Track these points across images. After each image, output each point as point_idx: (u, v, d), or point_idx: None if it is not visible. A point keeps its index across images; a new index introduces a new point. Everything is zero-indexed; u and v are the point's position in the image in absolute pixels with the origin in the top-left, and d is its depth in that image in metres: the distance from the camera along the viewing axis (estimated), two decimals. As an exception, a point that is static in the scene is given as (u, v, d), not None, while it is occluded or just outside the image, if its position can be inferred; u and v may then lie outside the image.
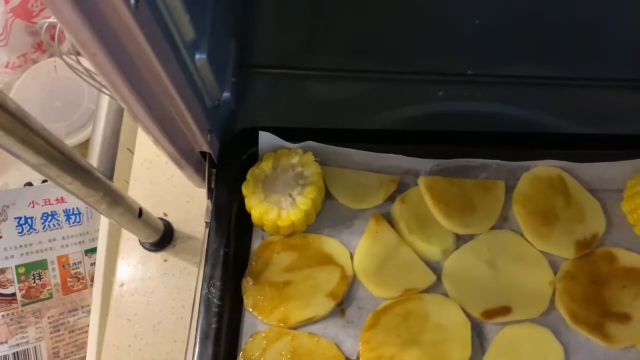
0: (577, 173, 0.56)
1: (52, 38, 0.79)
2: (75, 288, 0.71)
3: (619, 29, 0.63)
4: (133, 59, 0.37)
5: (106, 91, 0.48)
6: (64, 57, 0.42)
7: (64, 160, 0.39)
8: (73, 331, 0.71)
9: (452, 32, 0.64)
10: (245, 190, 0.53)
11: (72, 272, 0.71)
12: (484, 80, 0.63)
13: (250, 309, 0.51)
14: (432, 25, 0.64)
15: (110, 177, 0.62)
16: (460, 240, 0.54)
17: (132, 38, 0.34)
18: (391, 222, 0.55)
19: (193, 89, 0.45)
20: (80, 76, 0.43)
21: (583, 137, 0.57)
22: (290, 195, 0.53)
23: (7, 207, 0.67)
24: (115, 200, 0.48)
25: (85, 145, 0.72)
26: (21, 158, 0.37)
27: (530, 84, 0.62)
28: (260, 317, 0.51)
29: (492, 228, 0.55)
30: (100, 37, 0.32)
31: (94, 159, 0.57)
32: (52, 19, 0.39)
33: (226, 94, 0.54)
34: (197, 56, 0.44)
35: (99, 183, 0.45)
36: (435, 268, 0.53)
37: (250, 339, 0.50)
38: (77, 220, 0.72)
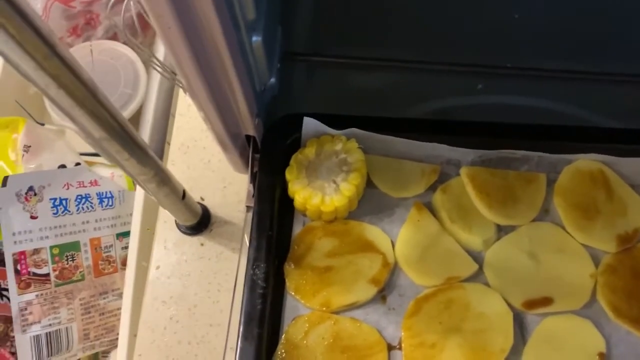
0: (619, 168, 0.56)
1: (88, 23, 0.79)
2: (106, 271, 0.72)
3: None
4: (200, 35, 0.37)
5: (158, 68, 0.49)
6: (123, 33, 0.42)
7: (124, 136, 0.39)
8: (103, 314, 0.71)
9: (492, 24, 0.64)
10: (289, 175, 0.53)
11: (104, 255, 0.72)
12: (523, 73, 0.63)
13: (293, 293, 0.51)
14: (473, 17, 0.64)
15: (160, 157, 0.63)
16: (502, 231, 0.55)
17: (203, 13, 0.35)
18: (432, 212, 0.55)
19: (247, 70, 0.46)
20: (137, 53, 0.43)
21: (625, 132, 0.57)
22: (334, 182, 0.53)
23: (43, 187, 0.68)
24: (163, 180, 0.48)
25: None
26: (85, 130, 0.37)
27: (572, 79, 0.62)
28: (302, 301, 0.51)
29: (534, 220, 0.55)
30: (176, 11, 0.32)
31: (145, 138, 0.57)
32: (120, -6, 0.39)
33: (272, 80, 0.54)
34: (254, 38, 0.45)
35: (152, 161, 0.45)
36: (476, 258, 0.53)
37: (293, 322, 0.50)
38: (110, 204, 0.73)
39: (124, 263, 0.71)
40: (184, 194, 0.54)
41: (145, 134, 0.58)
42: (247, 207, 0.56)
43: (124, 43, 0.74)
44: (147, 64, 0.46)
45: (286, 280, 0.52)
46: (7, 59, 0.28)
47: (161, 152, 0.60)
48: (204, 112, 0.44)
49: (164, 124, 0.60)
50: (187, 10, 0.34)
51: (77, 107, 0.34)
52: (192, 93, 0.42)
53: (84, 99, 0.34)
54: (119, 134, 0.39)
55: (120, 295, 0.71)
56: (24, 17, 0.26)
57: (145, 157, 0.44)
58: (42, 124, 0.82)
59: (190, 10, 0.34)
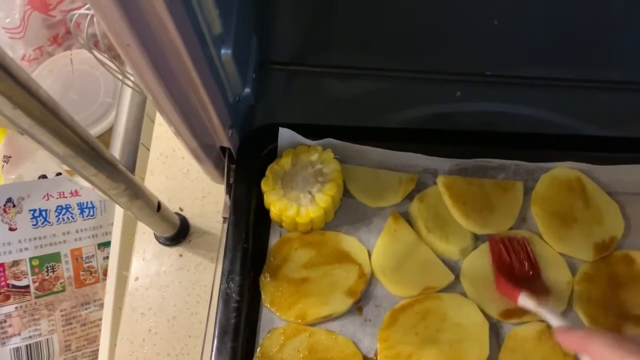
0: (596, 175, 0.56)
1: (68, 32, 0.79)
2: (87, 282, 0.71)
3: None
4: (163, 52, 0.37)
5: (129, 83, 0.49)
6: (91, 48, 0.42)
7: (90, 152, 0.39)
8: (85, 324, 0.71)
9: (471, 32, 0.64)
10: (264, 186, 0.53)
11: (85, 265, 0.71)
12: (502, 80, 0.63)
13: (268, 305, 0.51)
14: (451, 25, 0.64)
15: (132, 171, 0.62)
16: (479, 240, 0.54)
17: (164, 30, 0.34)
18: (409, 221, 0.55)
19: (217, 83, 0.45)
20: (106, 68, 0.43)
21: (602, 139, 0.57)
22: (310, 192, 0.53)
23: (22, 199, 0.67)
24: (136, 194, 0.48)
25: (101, 138, 0.72)
26: (49, 148, 0.37)
27: (550, 86, 0.62)
28: (277, 313, 0.51)
29: (510, 229, 0.55)
30: (134, 28, 0.32)
31: (116, 151, 0.57)
32: (83, 10, 0.39)
33: (247, 90, 0.54)
34: (223, 51, 0.45)
35: (122, 176, 0.44)
36: (453, 267, 0.53)
37: (268, 335, 0.50)
38: (91, 214, 0.72)
39: (105, 273, 0.71)
40: (159, 205, 0.54)
41: (117, 144, 0.57)
42: (224, 218, 0.55)
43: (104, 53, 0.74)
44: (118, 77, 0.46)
45: (262, 292, 0.52)
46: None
47: (133, 163, 0.60)
48: (173, 127, 0.44)
49: (137, 132, 0.60)
50: (145, 27, 0.33)
51: (37, 126, 0.33)
52: (159, 108, 0.41)
53: (44, 118, 0.33)
54: (84, 150, 0.39)
55: (102, 306, 0.71)
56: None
57: (115, 171, 0.44)
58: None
59: (149, 27, 0.34)
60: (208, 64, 0.42)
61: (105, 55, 0.45)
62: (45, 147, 0.37)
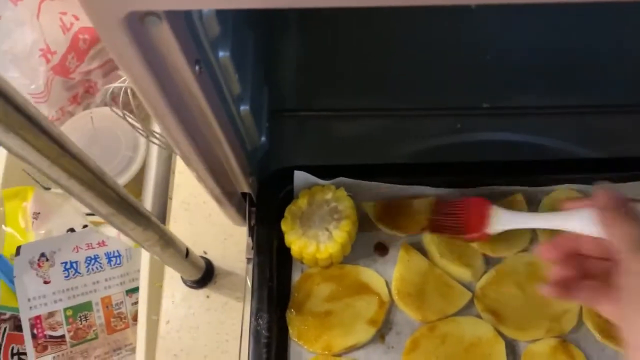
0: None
1: (87, 91, 0.84)
2: (118, 328, 0.74)
3: (624, 58, 0.67)
4: (192, 115, 0.41)
5: (156, 141, 0.53)
6: (126, 115, 0.46)
7: (130, 209, 0.43)
8: (118, 369, 0.73)
9: (466, 68, 0.69)
10: (284, 226, 0.57)
11: (115, 312, 0.75)
12: (498, 112, 0.67)
13: (296, 339, 0.54)
14: (447, 62, 0.69)
15: (163, 221, 0.66)
16: (489, 264, 0.58)
17: (193, 98, 0.39)
18: (424, 248, 0.58)
19: (238, 136, 0.49)
20: (138, 131, 0.47)
21: (598, 161, 0.61)
22: (327, 229, 0.56)
23: (54, 252, 0.71)
24: (167, 243, 0.52)
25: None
26: (93, 208, 0.41)
27: (544, 113, 0.66)
28: (305, 346, 0.54)
29: (523, 251, 0.58)
30: (169, 101, 0.36)
31: (148, 205, 0.61)
32: (117, 84, 0.43)
33: (263, 139, 0.58)
34: (242, 107, 0.49)
35: (156, 228, 0.48)
36: (467, 289, 0.56)
37: (298, 367, 0.53)
38: (118, 262, 0.76)
39: (134, 318, 0.74)
40: (187, 252, 0.58)
41: (148, 198, 0.61)
42: (247, 259, 0.59)
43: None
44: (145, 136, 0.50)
45: (289, 327, 0.55)
46: (25, 160, 0.32)
47: (164, 213, 0.63)
48: (199, 177, 0.48)
49: (166, 184, 0.64)
50: (178, 98, 0.38)
51: (86, 191, 0.38)
52: (187, 162, 0.46)
53: (92, 183, 0.38)
54: (124, 208, 0.43)
55: (132, 350, 0.74)
56: (39, 128, 0.30)
57: (149, 224, 0.47)
58: (48, 188, 0.86)
59: (181, 97, 0.38)
60: (230, 121, 0.46)
61: (134, 118, 0.50)
62: (90, 207, 0.41)
